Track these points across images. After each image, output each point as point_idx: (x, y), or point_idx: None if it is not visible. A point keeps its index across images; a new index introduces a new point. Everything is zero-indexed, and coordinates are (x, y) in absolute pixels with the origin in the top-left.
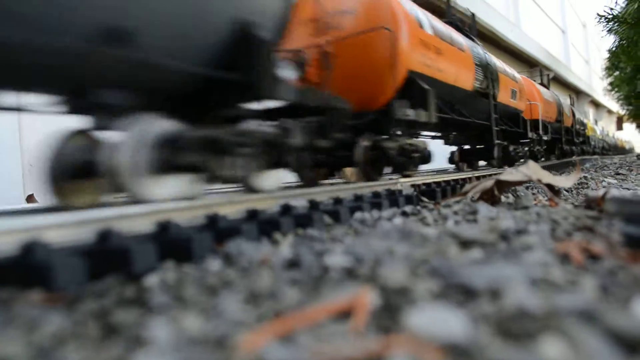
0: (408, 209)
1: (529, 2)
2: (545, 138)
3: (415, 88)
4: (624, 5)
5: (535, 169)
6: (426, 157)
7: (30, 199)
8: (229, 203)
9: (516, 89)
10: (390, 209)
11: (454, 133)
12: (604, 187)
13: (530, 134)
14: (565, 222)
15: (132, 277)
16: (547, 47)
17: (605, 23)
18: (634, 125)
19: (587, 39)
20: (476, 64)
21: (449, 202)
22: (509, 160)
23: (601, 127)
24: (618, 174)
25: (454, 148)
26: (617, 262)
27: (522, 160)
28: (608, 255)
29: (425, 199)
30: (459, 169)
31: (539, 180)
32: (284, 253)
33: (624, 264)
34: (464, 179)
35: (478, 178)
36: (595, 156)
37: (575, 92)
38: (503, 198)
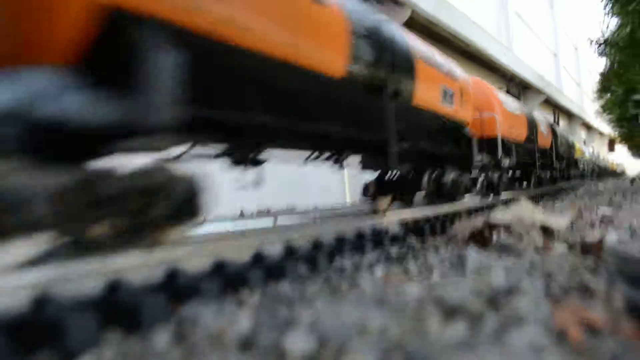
0: (393, 251)
1: (521, 25)
2: (506, 163)
3: (120, 44)
4: (615, 29)
5: (528, 208)
6: (184, 206)
7: None
8: (193, 255)
9: (453, 90)
10: (374, 251)
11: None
12: (599, 216)
13: (479, 157)
14: (561, 274)
15: (68, 353)
16: (539, 70)
17: (597, 47)
18: (625, 148)
19: (578, 61)
20: (355, 34)
21: (437, 244)
22: (445, 195)
23: (591, 148)
24: (612, 202)
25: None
26: (621, 340)
27: (474, 193)
28: (610, 329)
29: (412, 239)
30: (376, 207)
31: (532, 222)
32: (241, 325)
33: (628, 343)
34: (454, 214)
35: (469, 213)
36: (588, 180)
37: (568, 115)
38: (495, 237)
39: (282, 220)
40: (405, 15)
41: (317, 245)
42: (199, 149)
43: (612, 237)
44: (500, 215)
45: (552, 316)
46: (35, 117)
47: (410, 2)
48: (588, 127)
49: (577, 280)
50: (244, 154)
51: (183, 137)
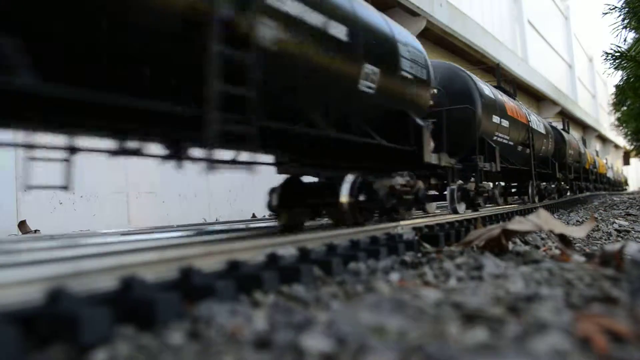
0: (408, 257)
1: (537, 37)
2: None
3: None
4: (632, 42)
5: (546, 218)
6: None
7: (22, 225)
8: (206, 254)
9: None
10: (389, 257)
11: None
12: (615, 229)
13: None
14: (581, 284)
15: (81, 347)
16: (554, 81)
17: (613, 60)
18: None
19: (593, 73)
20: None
21: (452, 250)
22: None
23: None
24: (629, 214)
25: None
26: None
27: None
28: (635, 339)
29: (427, 245)
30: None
31: (551, 231)
32: (257, 325)
33: None
34: (469, 220)
35: (484, 219)
36: (604, 192)
37: (582, 127)
38: (511, 245)
39: None
40: (421, 25)
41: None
42: None
43: (632, 248)
44: (517, 224)
45: (574, 324)
46: None
47: (426, 12)
48: (603, 140)
49: (598, 289)
50: None
51: None
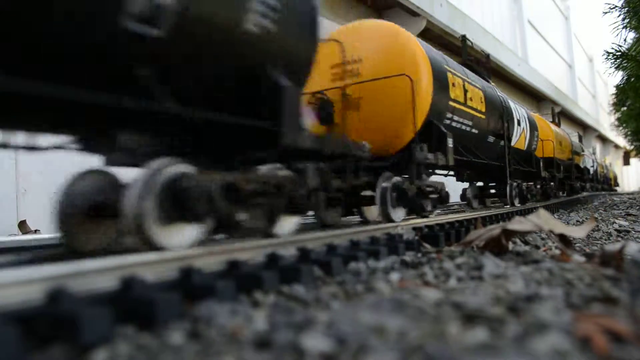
0: (408, 257)
1: (537, 37)
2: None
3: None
4: (632, 41)
5: (546, 218)
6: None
7: (22, 225)
8: (207, 254)
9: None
10: (389, 257)
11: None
12: (615, 229)
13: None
14: (581, 284)
15: (82, 347)
16: (554, 81)
17: (613, 60)
18: None
19: (593, 73)
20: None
21: (452, 250)
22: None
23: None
24: (629, 214)
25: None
26: None
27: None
28: (635, 339)
29: (427, 245)
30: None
31: (551, 231)
32: (257, 325)
33: None
34: (469, 220)
35: (484, 219)
36: (604, 192)
37: (582, 127)
38: (511, 245)
39: None
40: (421, 25)
41: None
42: None
43: (632, 248)
44: (518, 224)
45: (574, 324)
46: None
47: (426, 12)
48: (603, 140)
49: (598, 289)
50: None
51: None
